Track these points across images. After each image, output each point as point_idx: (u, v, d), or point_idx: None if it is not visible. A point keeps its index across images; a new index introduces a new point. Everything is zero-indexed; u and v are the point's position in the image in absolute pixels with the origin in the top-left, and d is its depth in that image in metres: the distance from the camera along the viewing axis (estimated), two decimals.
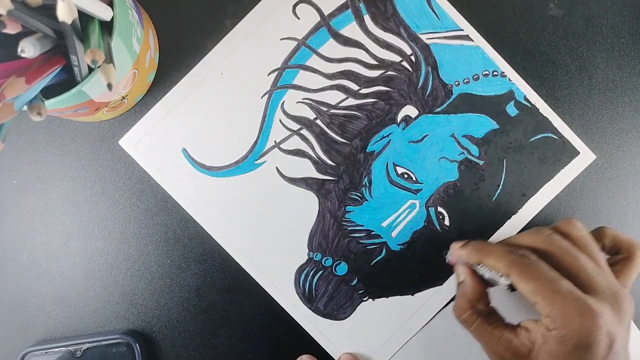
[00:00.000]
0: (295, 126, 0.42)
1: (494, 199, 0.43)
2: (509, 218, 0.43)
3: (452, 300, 0.42)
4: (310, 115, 0.42)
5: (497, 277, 0.33)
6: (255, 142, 0.42)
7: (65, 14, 0.26)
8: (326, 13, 0.42)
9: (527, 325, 0.32)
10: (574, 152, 0.43)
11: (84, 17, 0.30)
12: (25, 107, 0.29)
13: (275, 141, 0.42)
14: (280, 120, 0.42)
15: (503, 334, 0.32)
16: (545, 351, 0.30)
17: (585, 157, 0.43)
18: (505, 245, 0.35)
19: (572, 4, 0.43)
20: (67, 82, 0.31)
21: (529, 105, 0.42)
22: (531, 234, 0.35)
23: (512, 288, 0.33)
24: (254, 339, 0.43)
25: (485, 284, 0.35)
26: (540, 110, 0.42)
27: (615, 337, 0.30)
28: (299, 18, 0.42)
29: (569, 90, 0.43)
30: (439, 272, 0.42)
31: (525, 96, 0.42)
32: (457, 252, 0.37)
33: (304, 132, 0.42)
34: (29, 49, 0.27)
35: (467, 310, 0.34)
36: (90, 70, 0.31)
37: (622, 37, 0.43)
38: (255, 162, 0.42)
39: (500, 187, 0.43)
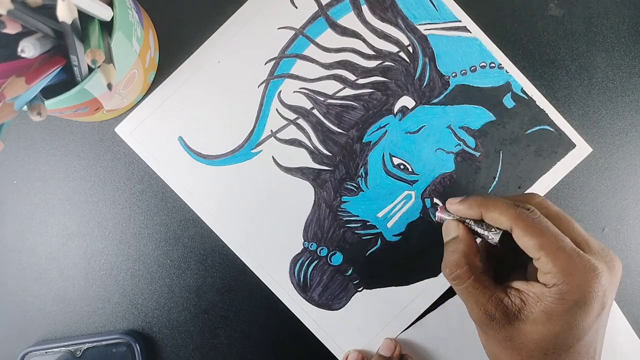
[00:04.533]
0: (291, 116, 0.42)
1: (489, 190, 0.43)
2: None
3: (447, 293, 0.42)
4: (307, 104, 0.42)
5: (485, 231, 0.33)
6: (252, 131, 0.42)
7: (65, 14, 0.26)
8: (324, 2, 0.42)
9: (517, 286, 0.32)
10: (570, 145, 0.43)
11: (84, 17, 0.30)
12: (25, 107, 0.29)
13: (271, 130, 0.42)
14: (276, 109, 0.42)
15: (495, 293, 0.31)
16: (541, 309, 0.30)
17: (581, 149, 0.43)
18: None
19: (572, 4, 0.43)
20: (67, 82, 0.31)
21: (526, 98, 0.42)
22: (525, 196, 0.34)
23: (499, 244, 0.32)
24: (254, 339, 0.43)
25: None
26: (537, 103, 0.42)
27: (608, 297, 0.30)
28: (296, 7, 0.42)
29: (569, 90, 0.43)
30: (434, 263, 0.42)
31: (522, 88, 0.42)
32: (455, 207, 0.35)
33: (301, 121, 0.42)
34: (29, 49, 0.27)
35: (464, 266, 0.32)
36: (90, 70, 0.31)
37: (622, 37, 0.43)
38: (252, 151, 0.42)
39: (496, 179, 0.43)
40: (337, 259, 0.42)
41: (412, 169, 0.42)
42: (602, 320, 0.31)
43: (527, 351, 0.31)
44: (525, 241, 0.30)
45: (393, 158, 0.42)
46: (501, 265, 0.36)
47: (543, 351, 0.30)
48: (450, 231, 0.35)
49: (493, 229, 0.33)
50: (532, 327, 0.30)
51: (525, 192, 0.43)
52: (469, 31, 0.42)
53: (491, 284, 0.32)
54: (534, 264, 0.31)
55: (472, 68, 0.42)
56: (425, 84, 0.42)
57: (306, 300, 0.42)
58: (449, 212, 0.35)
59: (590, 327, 0.30)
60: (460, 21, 0.42)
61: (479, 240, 0.34)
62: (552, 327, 0.30)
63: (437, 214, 0.36)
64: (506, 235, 0.32)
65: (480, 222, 0.34)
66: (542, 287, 0.30)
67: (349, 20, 0.42)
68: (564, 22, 0.43)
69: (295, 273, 0.42)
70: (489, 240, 0.33)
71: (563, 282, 0.29)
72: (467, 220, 0.34)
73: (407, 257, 0.42)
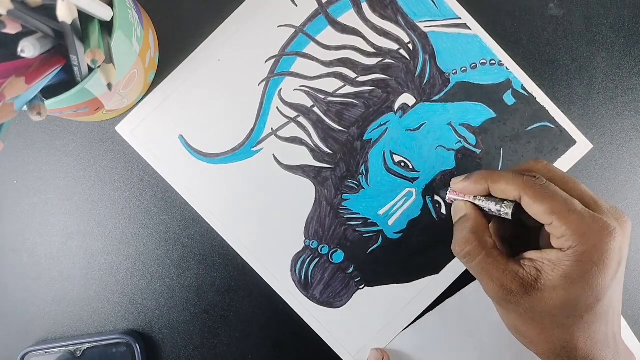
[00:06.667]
0: (292, 114, 0.42)
1: None
2: None
3: (448, 289, 0.42)
4: (308, 102, 0.42)
5: (496, 206, 0.33)
6: (252, 129, 0.42)
7: (65, 14, 0.26)
8: (324, 0, 0.42)
9: (531, 256, 0.31)
10: (571, 141, 0.43)
11: (84, 17, 0.30)
12: (25, 107, 0.29)
13: (272, 128, 0.42)
14: (277, 107, 0.42)
15: (508, 266, 0.31)
16: (559, 274, 0.29)
17: (582, 146, 0.43)
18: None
19: (572, 4, 0.43)
20: (67, 82, 0.31)
21: (526, 94, 0.42)
22: (531, 163, 0.34)
23: (513, 216, 0.32)
24: (254, 339, 0.43)
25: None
26: (537, 100, 0.43)
27: (623, 255, 0.30)
28: (296, 5, 0.42)
29: (569, 90, 0.43)
30: (435, 261, 0.42)
31: (522, 85, 0.42)
32: (460, 185, 0.35)
33: (301, 119, 0.42)
34: (29, 49, 0.27)
35: (473, 242, 0.32)
36: (90, 70, 0.31)
37: (622, 37, 0.43)
38: (252, 149, 0.42)
39: None
40: (338, 256, 0.42)
41: (412, 166, 0.42)
42: (619, 279, 0.31)
43: (550, 318, 0.30)
44: (535, 208, 0.30)
45: (394, 155, 0.42)
46: (515, 242, 0.36)
47: (566, 315, 0.30)
48: (458, 211, 0.35)
49: (504, 203, 0.32)
50: (552, 293, 0.30)
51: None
52: (469, 28, 0.42)
53: (503, 258, 0.32)
54: (546, 231, 0.31)
55: (473, 65, 0.42)
56: (425, 81, 0.42)
57: (308, 298, 0.42)
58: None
59: (609, 286, 0.30)
60: (460, 18, 0.42)
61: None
62: (572, 290, 0.29)
63: (449, 195, 0.36)
64: (517, 209, 0.32)
65: (489, 198, 0.34)
66: (558, 252, 0.30)
67: (349, 17, 0.42)
68: (564, 22, 0.43)
69: (297, 271, 0.42)
70: (502, 215, 0.33)
71: (579, 243, 0.29)
72: (479, 199, 0.34)
73: (409, 254, 0.42)
